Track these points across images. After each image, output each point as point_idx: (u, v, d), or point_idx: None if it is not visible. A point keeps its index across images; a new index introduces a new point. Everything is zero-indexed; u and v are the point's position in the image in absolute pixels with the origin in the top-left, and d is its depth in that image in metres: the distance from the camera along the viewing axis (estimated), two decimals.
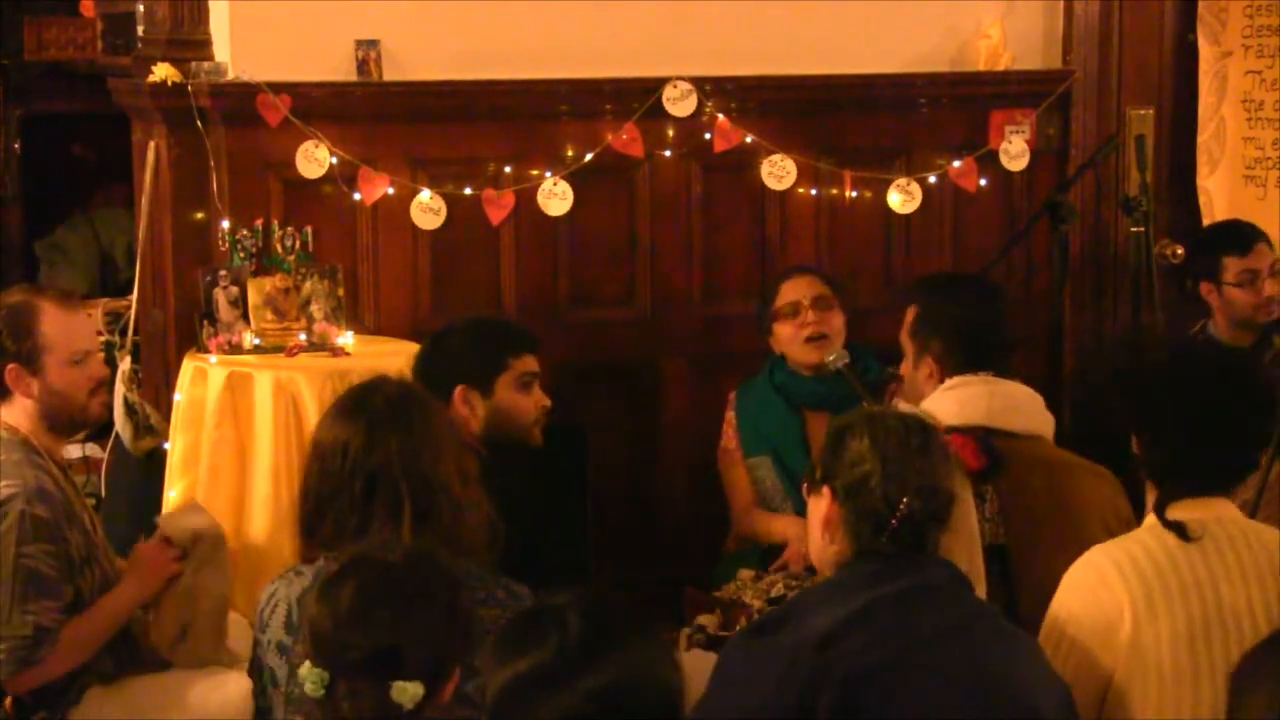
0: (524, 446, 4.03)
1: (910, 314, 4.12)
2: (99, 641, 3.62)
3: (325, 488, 3.14)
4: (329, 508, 3.13)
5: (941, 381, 4.04)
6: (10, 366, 3.65)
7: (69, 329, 3.70)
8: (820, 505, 2.91)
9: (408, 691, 2.49)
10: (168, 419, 4.62)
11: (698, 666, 2.90)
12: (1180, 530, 2.98)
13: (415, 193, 4.92)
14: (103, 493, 4.89)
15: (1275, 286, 4.94)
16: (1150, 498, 3.11)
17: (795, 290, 4.58)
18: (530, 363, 4.08)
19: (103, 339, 4.53)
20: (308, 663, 2.54)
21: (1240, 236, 5.02)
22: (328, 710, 2.53)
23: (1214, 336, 4.98)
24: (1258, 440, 3.16)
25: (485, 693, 2.25)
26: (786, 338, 4.57)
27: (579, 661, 2.19)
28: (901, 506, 2.82)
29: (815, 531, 2.94)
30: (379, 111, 4.91)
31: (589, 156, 5.03)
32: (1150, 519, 3.08)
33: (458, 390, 3.96)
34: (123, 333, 4.91)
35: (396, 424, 3.16)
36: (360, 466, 3.11)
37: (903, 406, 3.86)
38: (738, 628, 3.56)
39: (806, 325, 4.53)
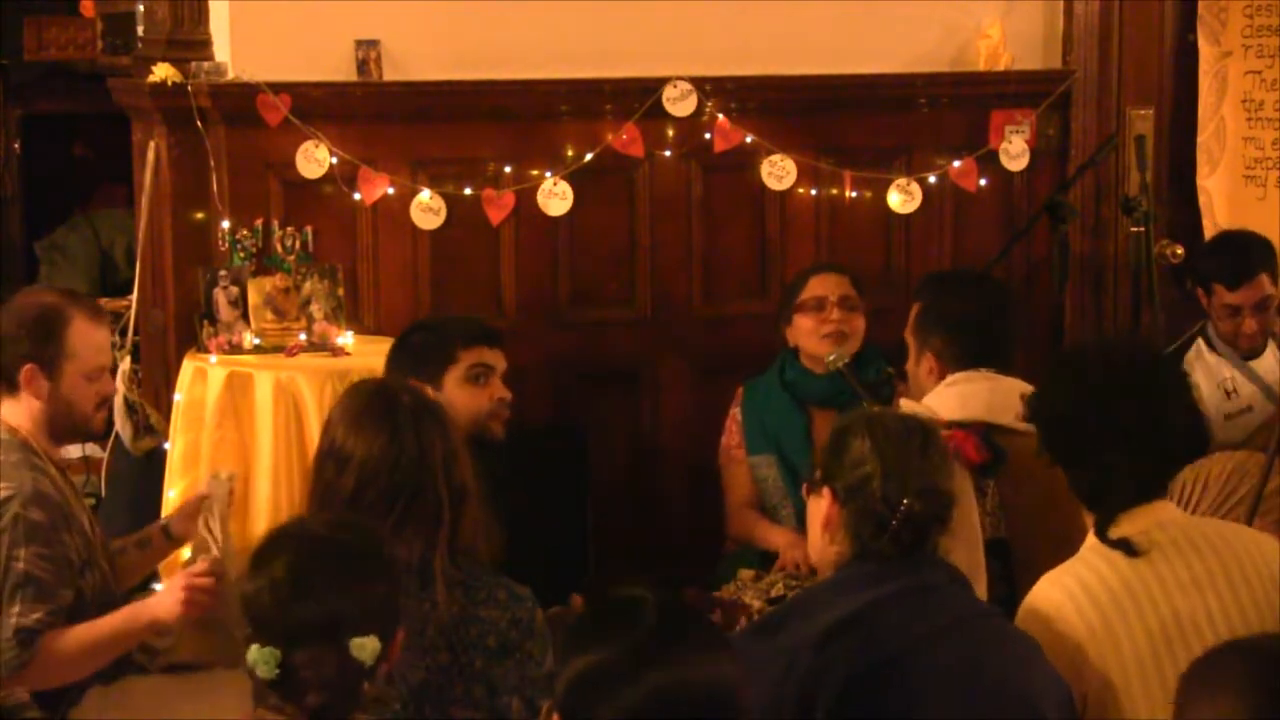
0: (480, 441, 3.95)
1: (914, 310, 4.13)
2: (97, 660, 3.53)
3: (371, 495, 3.10)
4: (365, 515, 3.08)
5: (942, 377, 4.04)
6: (28, 366, 3.64)
7: (93, 343, 3.70)
8: (821, 506, 2.92)
9: (366, 647, 2.54)
10: (168, 419, 4.62)
11: None
12: (1126, 548, 2.93)
13: (415, 193, 4.92)
14: (103, 493, 4.89)
15: (1257, 323, 4.83)
16: (1088, 520, 3.03)
17: (824, 286, 4.58)
18: (483, 354, 4.06)
19: None
20: (255, 646, 2.55)
21: (1236, 270, 4.83)
22: (285, 686, 2.55)
23: (1212, 338, 4.95)
24: (1180, 432, 3.05)
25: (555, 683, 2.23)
26: (806, 330, 4.56)
27: (652, 656, 2.17)
28: (901, 508, 2.82)
29: (815, 532, 2.94)
30: (379, 111, 4.91)
31: (589, 156, 5.03)
32: (1091, 540, 3.01)
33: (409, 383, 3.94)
34: (123, 333, 4.90)
35: (438, 432, 3.16)
36: (410, 476, 3.10)
37: (905, 404, 3.88)
38: (738, 628, 3.57)
39: (829, 322, 4.52)
